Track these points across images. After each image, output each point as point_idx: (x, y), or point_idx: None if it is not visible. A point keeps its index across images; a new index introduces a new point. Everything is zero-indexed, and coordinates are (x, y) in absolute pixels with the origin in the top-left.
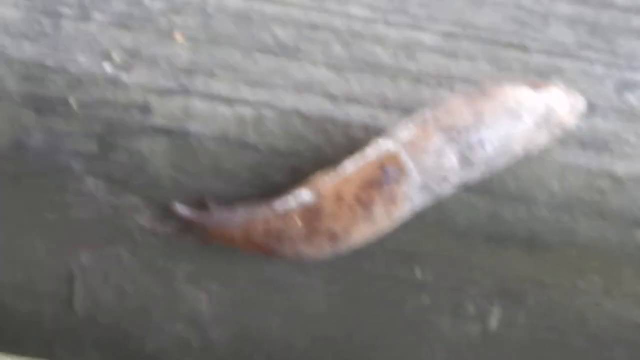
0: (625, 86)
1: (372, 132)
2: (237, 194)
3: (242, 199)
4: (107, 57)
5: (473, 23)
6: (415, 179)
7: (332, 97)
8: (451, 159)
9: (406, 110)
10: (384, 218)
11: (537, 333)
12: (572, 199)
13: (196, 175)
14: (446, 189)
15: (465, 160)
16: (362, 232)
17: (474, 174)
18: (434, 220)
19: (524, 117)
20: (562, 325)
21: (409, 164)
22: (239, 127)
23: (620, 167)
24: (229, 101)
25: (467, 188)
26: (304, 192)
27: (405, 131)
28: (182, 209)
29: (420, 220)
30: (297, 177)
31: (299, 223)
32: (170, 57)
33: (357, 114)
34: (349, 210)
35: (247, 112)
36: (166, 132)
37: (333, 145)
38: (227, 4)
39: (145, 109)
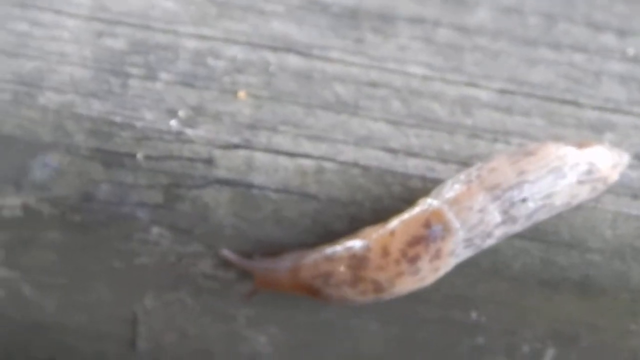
0: None
1: (429, 183)
2: (297, 242)
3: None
4: (173, 113)
5: (527, 80)
6: (460, 236)
7: (391, 151)
8: (495, 217)
9: (462, 162)
10: (429, 272)
11: None
12: (624, 246)
13: (258, 223)
14: (489, 243)
15: (508, 217)
16: (406, 284)
17: (517, 229)
18: (489, 265)
19: (567, 174)
20: None
21: (454, 222)
22: (300, 179)
23: None
24: (290, 154)
25: (522, 235)
26: (354, 241)
27: (451, 190)
28: (229, 254)
29: (475, 266)
30: (356, 225)
31: (346, 269)
32: (233, 114)
33: (414, 166)
34: (395, 264)
35: (308, 164)
36: (229, 183)
37: (391, 195)
38: (289, 64)
39: (209, 162)
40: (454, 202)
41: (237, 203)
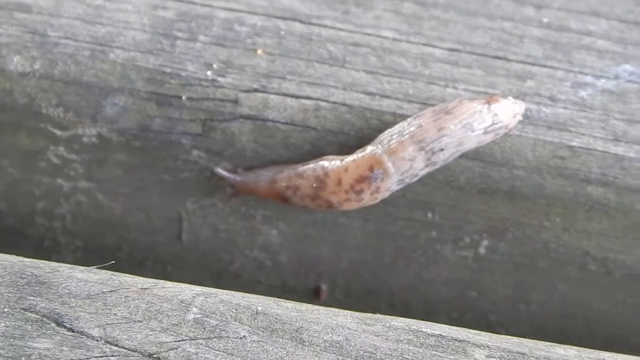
0: (578, 85)
1: (399, 118)
2: (300, 162)
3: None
4: (209, 66)
5: (470, 41)
6: (395, 178)
7: (369, 94)
8: (420, 163)
9: (422, 102)
10: (369, 200)
11: (514, 257)
12: (541, 164)
13: (271, 148)
14: (415, 180)
15: (430, 162)
16: (351, 206)
17: (436, 168)
18: (442, 178)
19: (476, 128)
20: (531, 252)
21: (391, 169)
22: (303, 114)
23: (575, 142)
24: (296, 96)
25: (466, 156)
26: (321, 164)
27: (390, 142)
28: (220, 171)
29: (432, 179)
30: (345, 150)
31: (310, 187)
32: (254, 66)
33: (387, 105)
34: (345, 193)
35: (309, 104)
36: (250, 118)
37: (370, 127)
38: (295, 29)
39: (235, 102)
40: (392, 152)
41: (256, 132)
